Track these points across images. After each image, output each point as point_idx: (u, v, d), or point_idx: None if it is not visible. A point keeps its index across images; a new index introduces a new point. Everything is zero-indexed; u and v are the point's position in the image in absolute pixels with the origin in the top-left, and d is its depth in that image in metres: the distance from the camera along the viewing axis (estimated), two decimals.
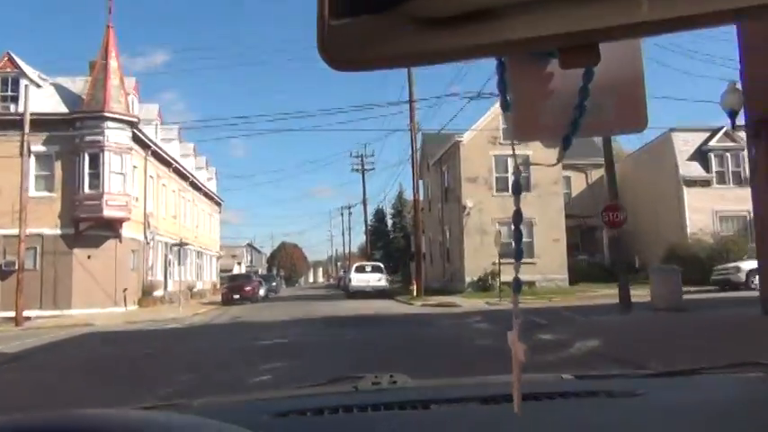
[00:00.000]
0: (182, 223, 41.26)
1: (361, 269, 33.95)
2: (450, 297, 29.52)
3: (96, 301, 27.33)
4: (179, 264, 37.46)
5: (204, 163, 51.32)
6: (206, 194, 50.53)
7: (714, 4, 0.52)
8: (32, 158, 27.29)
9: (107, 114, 26.95)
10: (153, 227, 33.71)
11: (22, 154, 24.15)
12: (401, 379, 1.62)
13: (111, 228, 28.04)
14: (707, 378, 1.67)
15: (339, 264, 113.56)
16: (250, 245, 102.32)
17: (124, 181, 27.72)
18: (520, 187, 0.77)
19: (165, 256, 34.77)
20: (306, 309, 25.46)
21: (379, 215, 69.40)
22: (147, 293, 31.99)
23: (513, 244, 0.78)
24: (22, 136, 23.67)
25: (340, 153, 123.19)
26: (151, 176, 34.36)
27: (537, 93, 0.68)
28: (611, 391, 1.44)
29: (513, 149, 0.80)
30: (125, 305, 29.13)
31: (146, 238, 32.58)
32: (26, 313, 26.10)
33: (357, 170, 58.49)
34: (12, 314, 25.63)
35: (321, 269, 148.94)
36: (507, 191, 31.70)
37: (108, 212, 27.03)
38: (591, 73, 0.65)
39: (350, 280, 33.57)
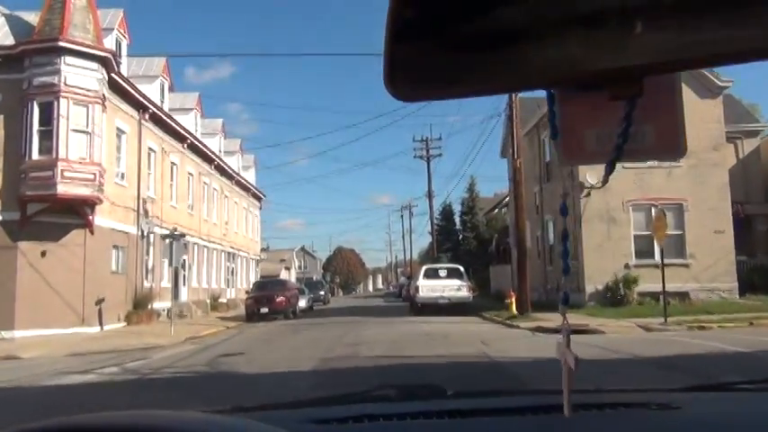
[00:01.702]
0: (202, 216, 32.76)
1: (432, 274, 24.42)
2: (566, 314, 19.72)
3: (53, 318, 18.82)
4: (188, 266, 28.90)
5: (238, 147, 42.90)
6: (240, 184, 42.07)
7: (753, 42, 0.57)
8: None
9: (64, 45, 18.45)
10: (152, 216, 25.15)
11: None
12: (442, 390, 1.58)
13: (76, 213, 19.53)
14: (743, 394, 1.66)
15: (399, 270, 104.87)
16: (303, 249, 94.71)
17: (90, 144, 19.12)
18: (567, 210, 0.84)
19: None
20: (351, 335, 16.16)
21: (447, 213, 59.73)
22: (140, 306, 23.43)
23: (562, 261, 0.88)
24: None
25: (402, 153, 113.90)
26: (151, 149, 25.86)
27: (583, 121, 0.74)
28: (648, 403, 1.43)
29: (563, 175, 1.05)
30: (100, 324, 20.53)
31: (140, 230, 24.02)
32: None
33: (421, 157, 49.08)
34: None
35: (380, 276, 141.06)
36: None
37: (64, 189, 18.47)
38: (635, 103, 0.70)
39: (417, 289, 24.11)
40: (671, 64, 0.60)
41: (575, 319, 18.26)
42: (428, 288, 23.73)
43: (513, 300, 21.29)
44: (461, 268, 24.98)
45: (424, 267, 25.88)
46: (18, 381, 10.37)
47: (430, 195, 50.35)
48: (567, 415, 1.06)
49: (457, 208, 59.00)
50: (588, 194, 22.37)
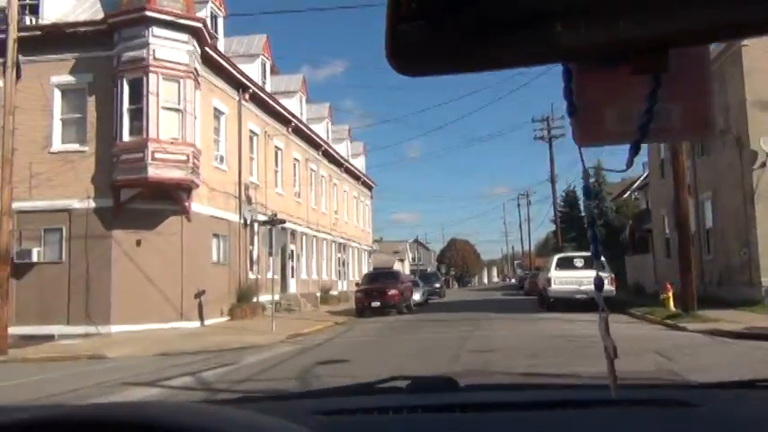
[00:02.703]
0: (309, 204, 31.02)
1: (566, 264, 20.98)
2: (739, 312, 15.86)
3: (151, 312, 17.42)
4: (296, 257, 27.20)
5: (347, 133, 41.04)
6: (350, 172, 40.20)
7: None
8: (57, 94, 18.03)
9: (151, 15, 16.90)
10: (256, 204, 23.51)
11: (5, 77, 14.69)
12: (454, 382, 1.54)
13: (171, 198, 18.01)
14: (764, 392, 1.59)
15: (516, 262, 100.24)
16: (417, 241, 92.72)
17: (182, 123, 17.48)
18: (591, 192, 0.80)
19: (283, 245, 24.26)
20: (476, 338, 13.34)
21: (570, 199, 55.13)
22: (244, 299, 21.82)
23: (591, 245, 0.88)
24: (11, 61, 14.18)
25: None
26: (253, 132, 24.23)
27: (603, 98, 0.69)
28: (668, 400, 1.39)
29: (582, 156, 0.80)
30: (200, 318, 18.99)
31: (243, 218, 22.42)
32: (51, 330, 16.87)
33: (542, 138, 45.13)
34: (33, 330, 16.70)
35: (495, 269, 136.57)
36: None
37: (155, 171, 16.93)
38: (659, 79, 0.66)
39: (549, 281, 20.80)
40: (699, 35, 0.56)
41: (753, 320, 14.39)
42: (562, 280, 20.36)
43: (670, 295, 17.55)
44: (602, 258, 21.33)
45: (556, 257, 22.45)
46: (70, 395, 8.44)
47: (552, 180, 46.31)
48: (614, 395, 1.14)
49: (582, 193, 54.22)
50: (764, 165, 18.14)
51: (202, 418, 0.75)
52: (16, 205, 17.04)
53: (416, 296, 28.26)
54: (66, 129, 18.01)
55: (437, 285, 41.62)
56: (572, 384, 2.14)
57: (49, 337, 16.95)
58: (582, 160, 0.80)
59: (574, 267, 20.66)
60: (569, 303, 19.70)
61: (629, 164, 0.78)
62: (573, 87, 0.68)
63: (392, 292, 23.51)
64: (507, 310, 22.54)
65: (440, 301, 36.74)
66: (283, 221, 19.08)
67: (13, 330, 16.63)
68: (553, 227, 51.07)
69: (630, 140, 0.71)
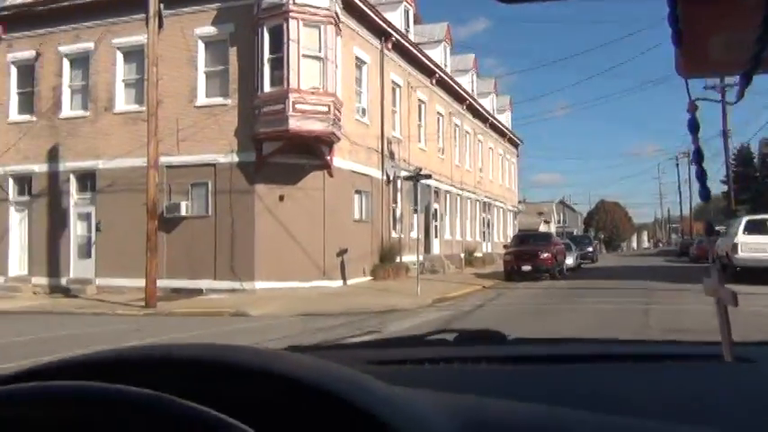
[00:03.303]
0: (453, 161, 29.44)
1: (757, 227, 17.85)
2: None
3: (294, 270, 16.95)
4: (440, 216, 25.91)
5: (492, 87, 38.72)
6: (495, 128, 38.01)
7: None
8: (200, 46, 17.75)
9: None
10: (399, 159, 22.38)
11: (148, 27, 14.39)
12: (502, 336, 1.54)
13: (312, 152, 17.25)
14: None
15: (674, 226, 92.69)
16: (562, 202, 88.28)
17: (323, 72, 16.50)
18: (698, 125, 0.75)
19: (427, 204, 22.96)
20: (658, 313, 11.27)
21: (743, 156, 49.11)
22: (387, 259, 20.92)
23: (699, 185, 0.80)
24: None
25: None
26: (395, 84, 22.96)
27: (711, 26, 0.64)
28: (721, 355, 1.25)
29: (687, 86, 0.76)
30: (343, 277, 18.32)
31: (385, 174, 21.39)
32: (199, 284, 16.98)
33: (713, 87, 39.94)
34: (183, 284, 16.95)
35: (646, 233, 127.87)
36: None
37: (296, 123, 16.14)
38: None
39: (735, 247, 17.81)
40: None
41: None
42: (753, 246, 17.36)
43: None
44: None
45: (744, 219, 19.22)
46: None
47: (725, 134, 41.02)
48: (728, 359, 1.13)
49: (757, 149, 48.17)
50: None
51: (260, 358, 0.75)
52: (165, 159, 17.11)
53: (569, 260, 26.00)
54: (210, 81, 17.72)
55: (590, 249, 38.72)
56: (615, 340, 1.87)
57: (198, 292, 17.01)
58: (687, 91, 0.75)
59: (766, 232, 17.54)
60: (760, 272, 16.75)
61: (741, 95, 0.71)
62: (679, 14, 0.63)
63: (545, 255, 21.56)
64: (673, 279, 19.83)
65: (592, 266, 33.99)
66: (429, 176, 17.72)
67: (165, 283, 16.85)
68: (721, 187, 45.81)
69: (740, 70, 0.65)
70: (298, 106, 16.03)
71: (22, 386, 0.65)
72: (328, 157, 17.58)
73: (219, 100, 17.50)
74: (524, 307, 13.19)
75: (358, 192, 19.61)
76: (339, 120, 17.00)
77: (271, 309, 13.76)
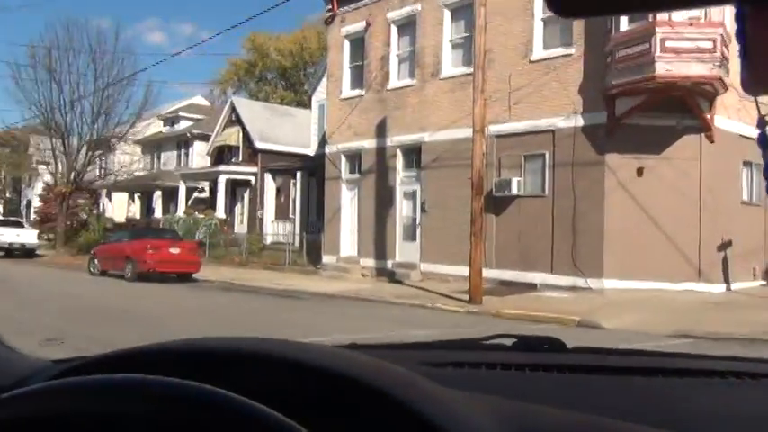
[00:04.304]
0: None
1: None
2: None
3: (654, 267, 12.85)
4: None
5: None
6: None
7: None
8: None
9: None
10: None
11: None
12: (561, 343, 1.47)
13: (686, 108, 12.77)
14: None
15: None
16: None
17: None
18: (767, 141, 0.72)
19: None
20: None
21: None
22: None
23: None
24: None
25: None
26: None
27: None
28: (748, 372, 1.27)
29: (757, 103, 0.76)
30: (725, 280, 13.50)
31: None
32: (532, 278, 14.27)
33: None
34: (512, 276, 14.48)
35: None
36: None
37: (665, 67, 11.83)
38: None
39: None
40: None
41: None
42: None
43: None
44: None
45: None
46: None
47: None
48: None
49: None
50: None
51: (312, 356, 0.76)
52: (494, 129, 14.51)
53: None
54: (548, 30, 14.46)
55: None
56: (673, 354, 1.76)
57: (530, 287, 14.06)
58: (758, 108, 0.77)
59: None
60: None
61: None
62: (747, 30, 0.58)
63: None
64: None
65: None
66: None
67: (492, 274, 14.31)
68: None
69: None
70: (668, 44, 11.76)
71: (85, 378, 0.64)
72: (708, 116, 12.92)
73: (560, 50, 14.14)
74: None
75: (746, 163, 14.35)
76: (727, 60, 12.19)
77: (629, 320, 10.01)
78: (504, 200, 14.84)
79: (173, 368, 0.67)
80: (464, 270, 12.80)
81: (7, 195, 47.81)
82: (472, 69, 12.79)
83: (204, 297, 14.17)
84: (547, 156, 14.27)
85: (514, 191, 14.59)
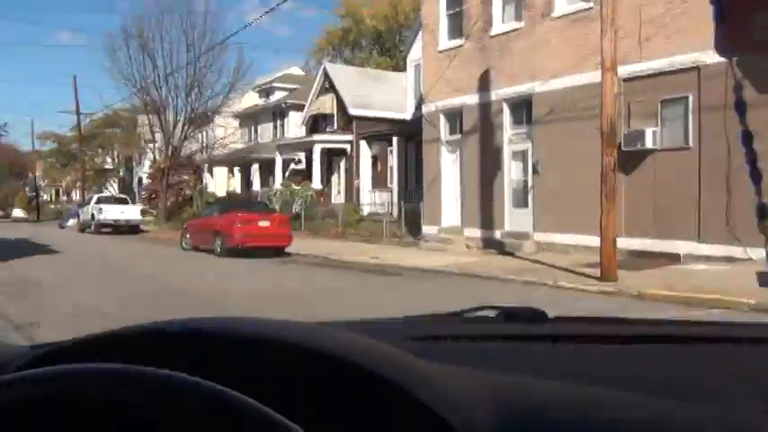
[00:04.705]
0: None
1: None
2: None
3: None
4: None
5: None
6: None
7: None
8: None
9: None
10: None
11: None
12: (543, 314, 1.44)
13: None
14: None
15: None
16: None
17: None
18: (745, 105, 0.71)
19: None
20: None
21: None
22: None
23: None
24: None
25: None
26: None
27: (753, 3, 0.62)
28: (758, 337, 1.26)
29: (732, 64, 0.73)
30: None
31: None
32: (674, 246, 11.98)
33: None
34: (646, 245, 12.26)
35: None
36: None
37: None
38: None
39: None
40: None
41: None
42: None
43: None
44: None
45: None
46: None
47: None
48: None
49: None
50: None
51: (291, 333, 0.74)
52: (622, 70, 12.06)
53: None
54: None
55: None
56: (661, 321, 1.70)
57: (672, 258, 11.72)
58: (733, 71, 0.75)
59: None
60: None
61: None
62: None
63: None
64: None
65: None
66: None
67: (621, 243, 12.01)
68: None
69: None
70: None
71: (55, 368, 0.62)
72: None
73: None
74: None
75: None
76: None
77: None
78: (636, 155, 12.46)
79: (148, 353, 0.66)
80: (587, 239, 10.75)
81: (120, 174, 49.62)
82: (591, 3, 10.56)
83: (289, 274, 12.90)
84: (691, 98, 11.73)
85: (649, 144, 12.18)
